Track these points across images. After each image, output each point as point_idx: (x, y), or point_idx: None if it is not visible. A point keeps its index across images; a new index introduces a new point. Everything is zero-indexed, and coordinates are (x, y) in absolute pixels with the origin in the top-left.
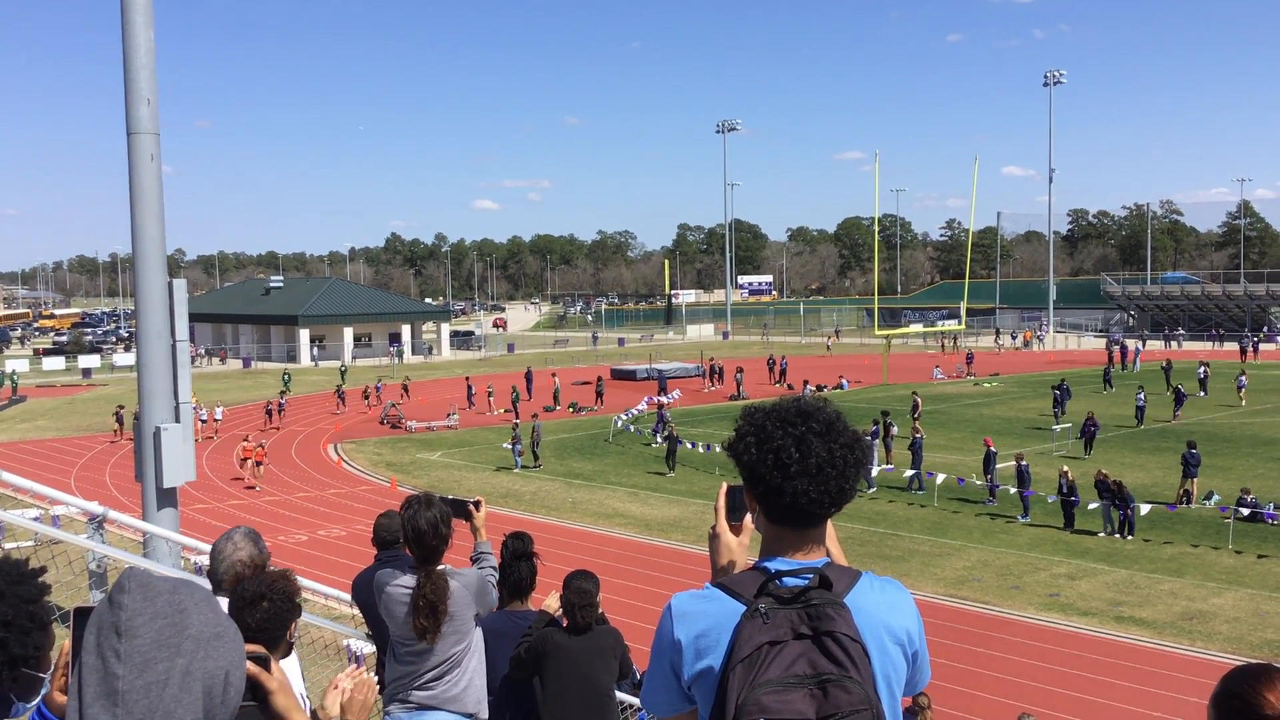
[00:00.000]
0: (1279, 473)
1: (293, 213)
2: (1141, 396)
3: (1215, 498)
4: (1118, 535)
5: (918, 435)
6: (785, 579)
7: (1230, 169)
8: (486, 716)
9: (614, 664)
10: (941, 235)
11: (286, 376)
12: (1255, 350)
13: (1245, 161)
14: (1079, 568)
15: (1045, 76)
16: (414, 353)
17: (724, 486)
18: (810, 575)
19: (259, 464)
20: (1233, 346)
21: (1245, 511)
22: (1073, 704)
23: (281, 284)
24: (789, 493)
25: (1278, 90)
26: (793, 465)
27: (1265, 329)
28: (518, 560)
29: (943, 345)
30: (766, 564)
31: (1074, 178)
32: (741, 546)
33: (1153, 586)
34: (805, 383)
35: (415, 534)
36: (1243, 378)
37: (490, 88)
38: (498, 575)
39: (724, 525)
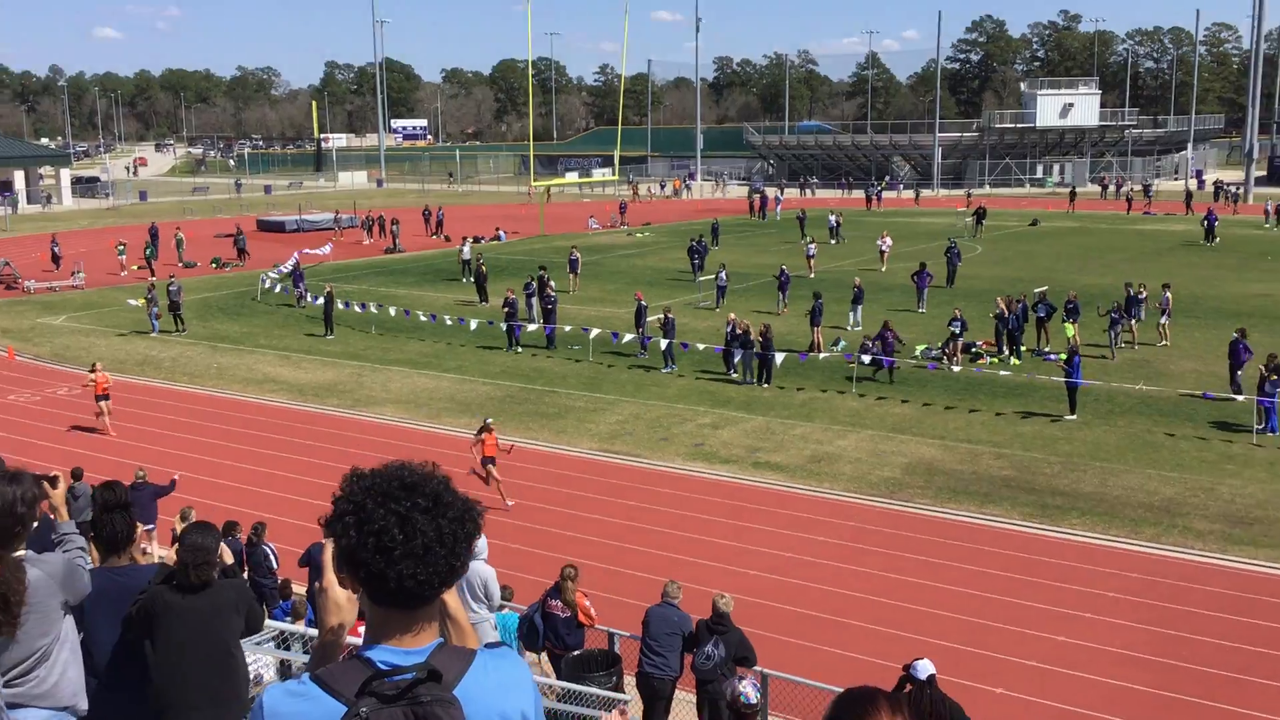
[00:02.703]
0: (899, 319)
1: None
2: (812, 248)
3: (841, 344)
4: (756, 384)
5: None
6: (391, 675)
7: (861, 20)
8: (86, 708)
9: (237, 619)
10: (596, 80)
11: None
12: (879, 199)
13: (874, 13)
14: (722, 417)
15: None
16: (30, 202)
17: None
18: (418, 668)
19: None
20: (860, 194)
21: (867, 359)
22: (716, 550)
23: None
24: (393, 577)
25: None
26: (397, 548)
27: (888, 178)
28: (109, 512)
29: (635, 192)
30: (370, 653)
31: (721, 25)
32: (352, 603)
33: (786, 432)
34: (465, 238)
35: None
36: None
37: None
38: (86, 556)
39: (332, 579)
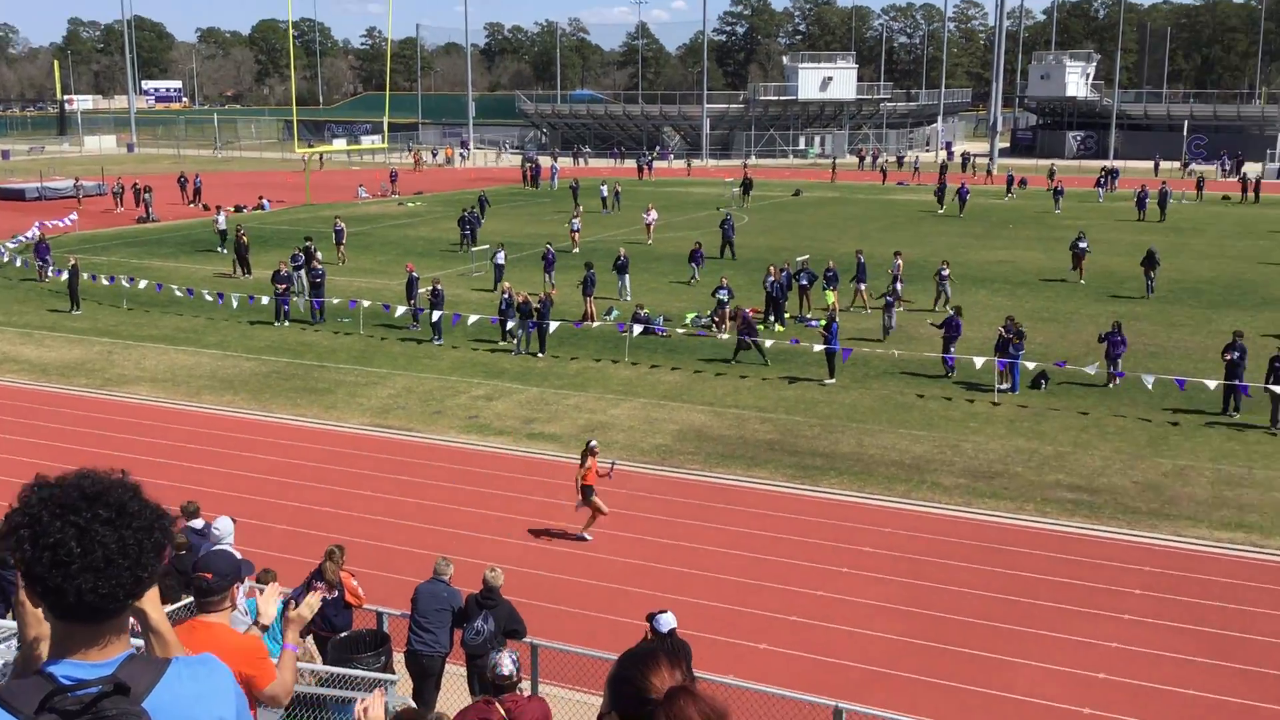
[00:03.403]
0: (670, 288)
1: None
2: (576, 222)
3: (614, 313)
4: (531, 354)
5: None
6: (74, 690)
7: None
8: None
9: None
10: (363, 43)
11: None
12: (650, 168)
13: None
14: (496, 389)
15: None
16: None
17: None
18: (103, 681)
19: None
20: (632, 164)
21: (639, 328)
22: (490, 523)
23: None
24: (72, 591)
25: None
26: (74, 562)
27: (659, 148)
28: None
29: (417, 161)
30: (53, 668)
31: None
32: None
33: (560, 402)
34: (219, 208)
35: None
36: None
37: None
38: None
39: (26, 593)
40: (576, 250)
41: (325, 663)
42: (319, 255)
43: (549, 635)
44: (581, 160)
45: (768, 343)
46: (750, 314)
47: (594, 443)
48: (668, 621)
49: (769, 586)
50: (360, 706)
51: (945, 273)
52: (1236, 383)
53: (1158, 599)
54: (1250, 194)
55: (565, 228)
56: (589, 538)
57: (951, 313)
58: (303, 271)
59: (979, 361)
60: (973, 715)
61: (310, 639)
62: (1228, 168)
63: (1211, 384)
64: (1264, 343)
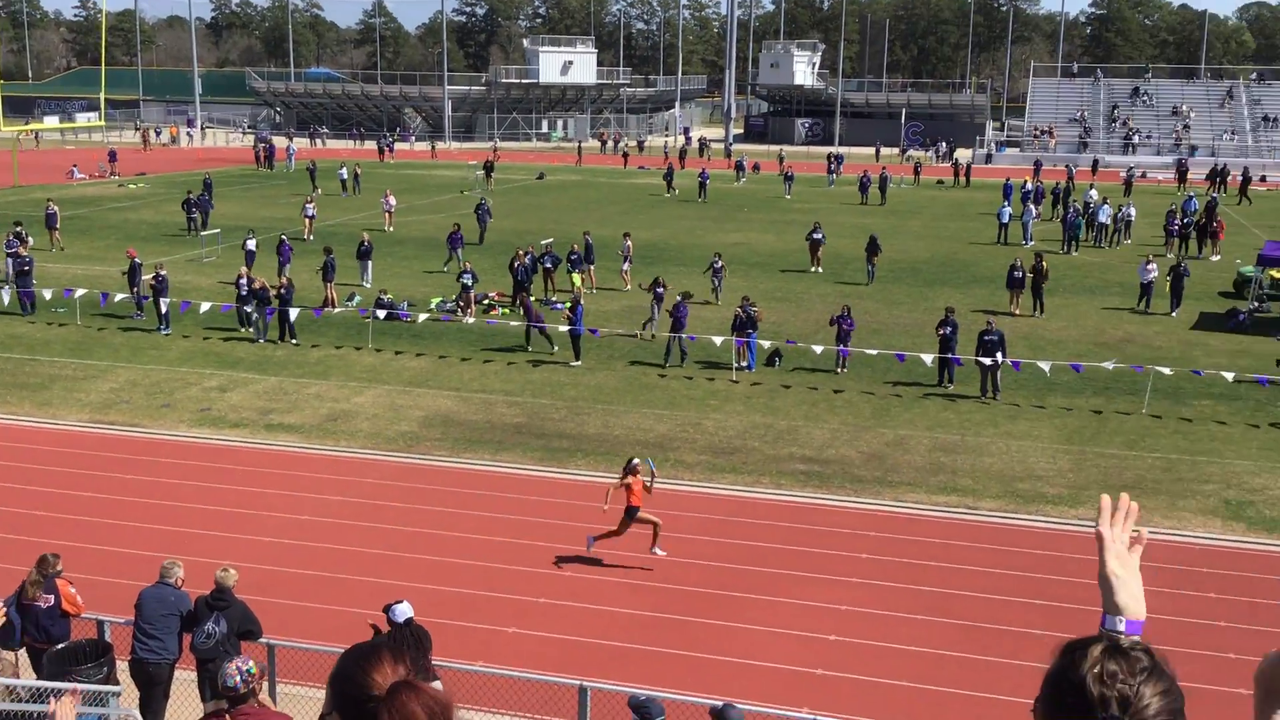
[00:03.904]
0: (413, 273)
1: None
2: (311, 208)
3: (356, 299)
4: (269, 341)
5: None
6: None
7: None
8: None
9: None
10: (77, 14)
11: None
12: (391, 150)
13: None
14: (230, 379)
15: None
16: None
17: None
18: None
19: None
20: (372, 145)
21: (382, 313)
22: (225, 520)
23: None
24: None
25: None
26: None
27: (400, 129)
28: None
29: (146, 140)
30: None
31: None
32: None
33: (300, 391)
34: None
35: None
36: (389, 199)
37: None
38: None
39: None
40: (310, 238)
41: (41, 677)
42: (29, 240)
43: (289, 634)
44: (319, 141)
45: (514, 323)
46: (525, 301)
47: (636, 461)
48: (403, 611)
49: (519, 570)
50: (50, 709)
51: (719, 264)
52: (949, 355)
53: (882, 562)
54: (962, 178)
55: (299, 213)
56: (662, 552)
57: (680, 299)
58: (11, 260)
59: (718, 340)
60: (713, 683)
61: (23, 652)
62: (941, 153)
63: (928, 358)
64: (974, 318)
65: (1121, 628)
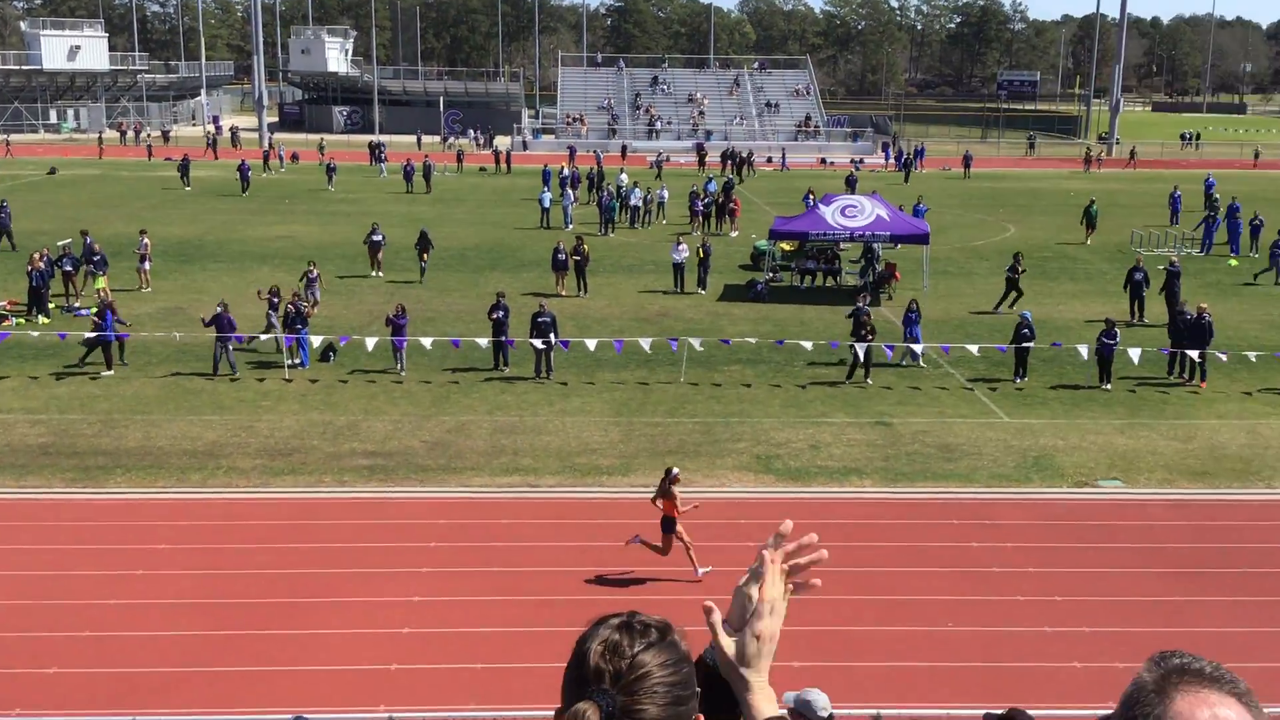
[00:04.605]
0: None
1: None
2: None
3: None
4: None
5: None
6: None
7: None
8: None
9: None
10: None
11: None
12: None
13: None
14: None
15: None
16: None
17: None
18: None
19: None
20: None
21: None
22: None
23: None
24: None
25: None
26: None
27: None
28: None
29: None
30: None
31: None
32: None
33: None
34: None
35: None
36: None
37: None
38: None
39: None
40: None
41: None
42: None
43: None
44: None
45: (33, 334)
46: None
47: (676, 471)
48: None
49: (54, 605)
50: None
51: (314, 274)
52: (503, 339)
53: (452, 548)
54: (503, 165)
55: None
56: (707, 568)
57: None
58: None
59: (264, 337)
60: (283, 695)
61: None
62: (481, 141)
63: (483, 342)
64: (525, 300)
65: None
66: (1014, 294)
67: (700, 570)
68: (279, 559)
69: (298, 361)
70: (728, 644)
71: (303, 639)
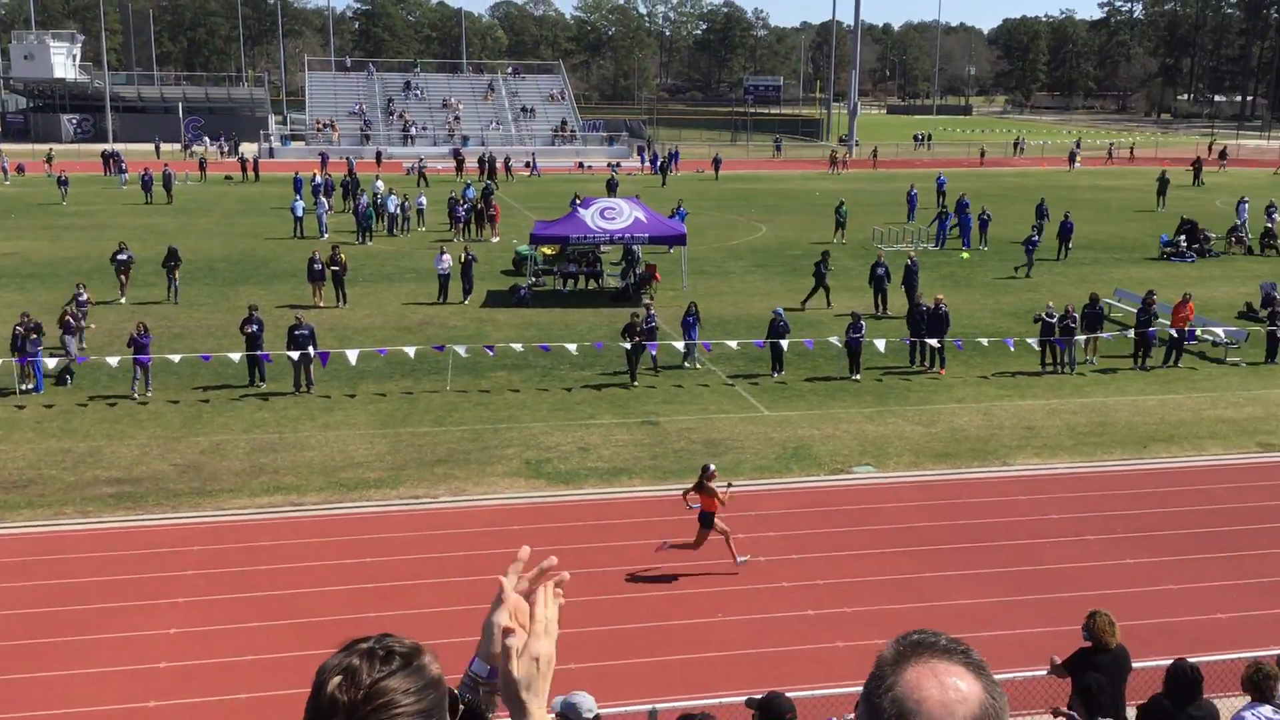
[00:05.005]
0: None
1: None
2: None
3: None
4: None
5: None
6: None
7: None
8: None
9: None
10: None
11: None
12: None
13: None
14: None
15: None
16: None
17: None
18: None
19: None
20: None
21: None
22: None
23: None
24: None
25: None
26: None
27: None
28: None
29: None
30: None
31: None
32: None
33: None
34: None
35: None
36: None
37: None
38: None
39: None
40: None
41: None
42: None
43: None
44: None
45: None
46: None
47: (713, 467)
48: None
49: None
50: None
51: (83, 297)
52: (259, 353)
53: (210, 575)
54: (250, 173)
55: None
56: (745, 557)
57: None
58: None
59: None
60: None
61: None
62: (226, 149)
63: (236, 357)
64: (280, 313)
65: (484, 674)
66: (821, 289)
67: (740, 559)
68: (15, 598)
69: (31, 386)
70: (514, 666)
71: (45, 681)
